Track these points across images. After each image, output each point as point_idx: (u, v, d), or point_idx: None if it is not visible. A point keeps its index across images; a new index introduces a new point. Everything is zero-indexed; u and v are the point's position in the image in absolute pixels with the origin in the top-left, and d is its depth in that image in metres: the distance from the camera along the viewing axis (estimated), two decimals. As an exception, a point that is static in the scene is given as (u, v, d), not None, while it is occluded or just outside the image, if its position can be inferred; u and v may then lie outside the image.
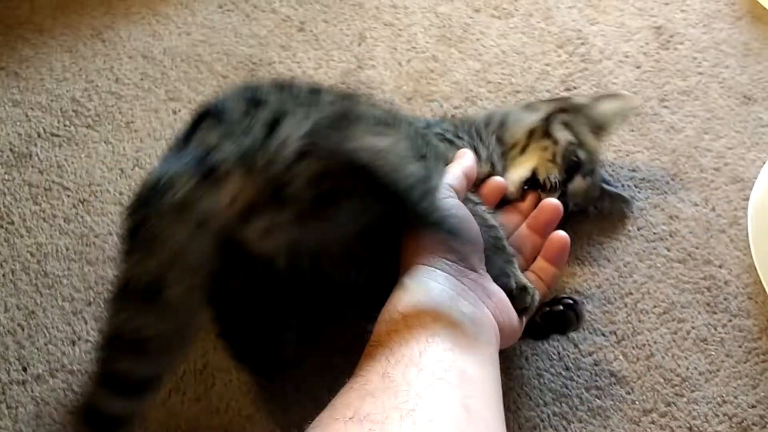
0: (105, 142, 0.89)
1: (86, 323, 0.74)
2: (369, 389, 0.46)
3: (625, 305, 0.75)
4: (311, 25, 1.05)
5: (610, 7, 1.06)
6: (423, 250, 0.58)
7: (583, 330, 0.73)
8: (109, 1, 1.07)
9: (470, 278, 0.57)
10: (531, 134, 0.76)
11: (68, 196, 0.84)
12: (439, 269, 0.57)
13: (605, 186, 0.81)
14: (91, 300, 0.76)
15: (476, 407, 0.47)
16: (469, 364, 0.49)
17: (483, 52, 1.01)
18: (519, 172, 0.73)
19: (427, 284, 0.55)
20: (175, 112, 0.93)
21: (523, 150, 0.75)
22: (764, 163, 0.86)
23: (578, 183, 0.75)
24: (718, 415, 0.67)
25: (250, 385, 0.69)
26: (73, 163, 0.87)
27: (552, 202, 0.68)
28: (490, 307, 0.57)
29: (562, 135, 0.76)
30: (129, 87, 0.96)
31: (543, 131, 0.76)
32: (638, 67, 0.98)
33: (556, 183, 0.72)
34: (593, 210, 0.81)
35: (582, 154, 0.76)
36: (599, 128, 0.79)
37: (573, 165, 0.75)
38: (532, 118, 0.78)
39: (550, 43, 1.01)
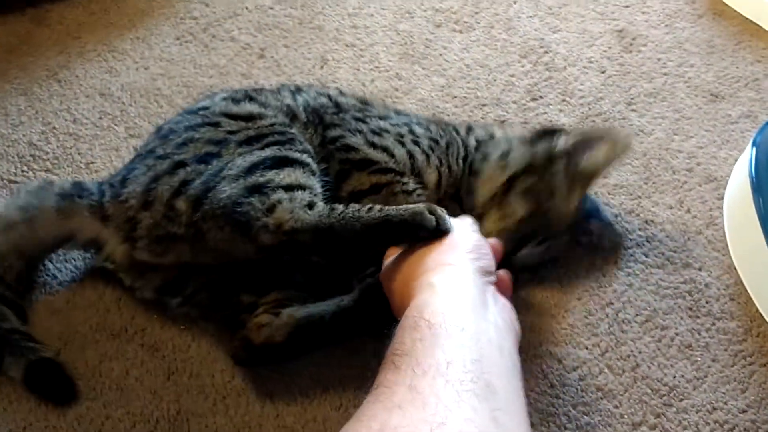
0: (65, 186, 0.87)
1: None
2: (396, 401, 0.45)
3: (607, 316, 0.73)
4: (272, 51, 1.03)
5: (570, 14, 1.06)
6: (450, 249, 0.58)
7: (566, 345, 0.71)
8: (63, 41, 1.05)
9: (487, 278, 0.57)
10: (493, 197, 0.73)
11: (29, 244, 0.81)
12: (467, 270, 0.56)
13: (595, 222, 0.77)
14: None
15: (503, 420, 0.46)
16: (494, 376, 0.48)
17: (447, 67, 1.00)
18: None
19: (458, 289, 0.54)
20: (136, 149, 0.90)
21: (483, 211, 0.73)
22: (736, 160, 0.85)
23: (527, 253, 0.73)
24: (709, 423, 0.66)
25: (227, 428, 0.67)
26: (32, 209, 0.84)
27: (499, 273, 0.62)
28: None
29: (519, 207, 0.72)
30: (87, 127, 0.93)
31: (502, 197, 0.73)
32: (603, 72, 0.97)
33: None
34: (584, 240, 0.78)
35: (541, 222, 0.72)
36: (586, 178, 0.72)
37: (523, 238, 0.72)
38: (500, 179, 0.74)
39: (514, 53, 1.00)
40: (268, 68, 1.01)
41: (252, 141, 0.69)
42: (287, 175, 0.65)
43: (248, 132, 0.71)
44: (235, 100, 0.77)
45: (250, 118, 0.73)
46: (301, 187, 0.64)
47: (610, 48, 1.00)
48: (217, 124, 0.72)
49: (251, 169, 0.65)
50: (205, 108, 0.76)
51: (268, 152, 0.67)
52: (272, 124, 0.72)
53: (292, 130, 0.72)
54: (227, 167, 0.66)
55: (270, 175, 0.65)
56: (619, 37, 1.02)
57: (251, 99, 0.77)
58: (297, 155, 0.68)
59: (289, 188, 0.64)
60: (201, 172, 0.66)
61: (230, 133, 0.71)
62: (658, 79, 0.96)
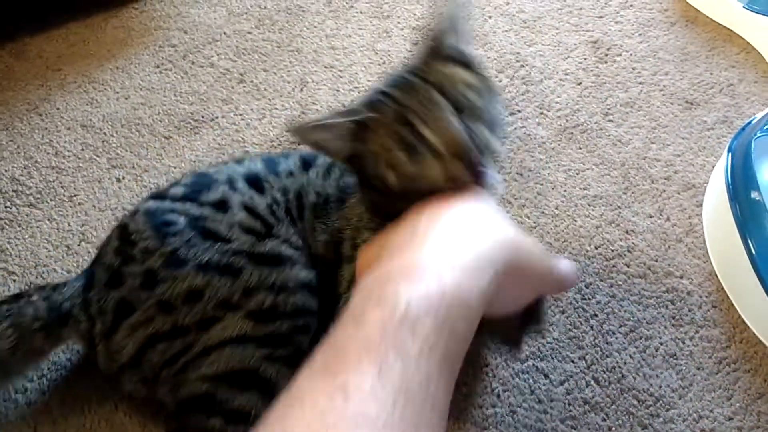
0: (49, 220, 0.87)
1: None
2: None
3: (591, 328, 0.74)
4: (251, 75, 1.04)
5: (545, 26, 1.07)
6: None
7: (552, 359, 0.71)
8: (43, 74, 1.05)
9: None
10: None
11: (14, 280, 0.81)
12: None
13: None
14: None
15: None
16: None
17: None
18: None
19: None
20: (119, 180, 0.91)
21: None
22: (713, 167, 0.86)
23: None
24: None
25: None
26: (17, 245, 0.85)
27: None
28: None
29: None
30: (70, 159, 0.93)
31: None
32: (579, 84, 0.98)
33: None
34: None
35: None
36: None
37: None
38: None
39: (491, 68, 1.01)
40: (248, 93, 1.01)
41: (260, 318, 0.61)
42: (247, 401, 0.60)
43: (264, 299, 0.61)
44: (260, 236, 0.64)
45: (276, 261, 0.63)
46: (246, 418, 0.59)
47: (585, 59, 1.01)
48: (239, 272, 0.61)
49: (224, 378, 0.60)
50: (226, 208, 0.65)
51: (257, 357, 0.60)
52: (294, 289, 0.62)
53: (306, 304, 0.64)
54: (213, 354, 0.60)
55: (233, 395, 0.60)
56: (594, 48, 1.03)
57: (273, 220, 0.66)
58: (282, 372, 0.61)
59: (237, 417, 0.59)
60: (192, 344, 0.61)
61: (246, 292, 0.61)
62: (633, 88, 0.97)
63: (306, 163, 0.72)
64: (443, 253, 0.45)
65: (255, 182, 0.69)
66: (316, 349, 0.41)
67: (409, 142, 0.55)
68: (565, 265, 0.55)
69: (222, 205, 0.65)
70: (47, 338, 0.64)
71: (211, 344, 0.60)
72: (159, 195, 0.69)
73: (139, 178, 0.91)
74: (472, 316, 0.43)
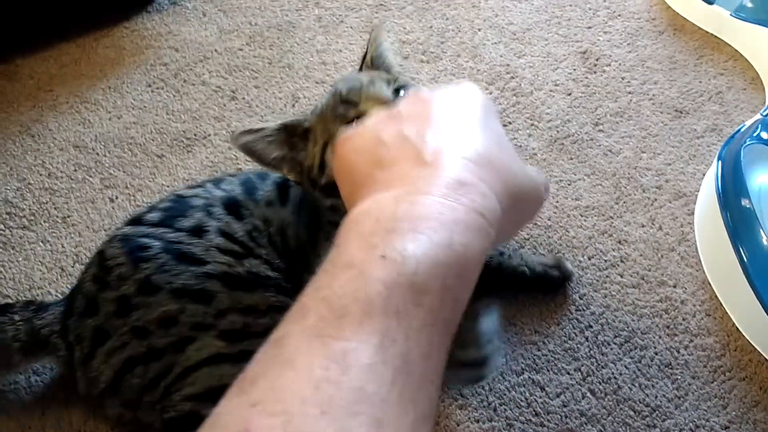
0: (42, 242, 0.87)
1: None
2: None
3: (586, 339, 0.74)
4: (243, 92, 1.04)
5: (534, 38, 1.07)
6: None
7: (548, 371, 0.72)
8: (35, 95, 1.05)
9: None
10: None
11: (8, 303, 0.81)
12: None
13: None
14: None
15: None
16: None
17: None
18: None
19: None
20: (112, 200, 0.91)
21: None
22: (704, 175, 0.87)
23: None
24: (692, 441, 0.67)
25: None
26: (10, 268, 0.84)
27: None
28: None
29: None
30: (62, 180, 0.94)
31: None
32: (569, 94, 0.99)
33: None
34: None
35: None
36: None
37: None
38: None
39: (481, 81, 1.02)
40: (240, 109, 1.02)
41: (233, 337, 0.61)
42: None
43: (235, 320, 0.61)
44: (238, 256, 0.65)
45: (251, 284, 0.64)
46: None
47: (574, 70, 1.02)
48: (211, 297, 0.62)
49: (206, 395, 0.60)
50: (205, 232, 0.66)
51: (235, 372, 0.60)
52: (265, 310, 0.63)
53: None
54: (192, 375, 0.61)
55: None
56: (582, 59, 1.03)
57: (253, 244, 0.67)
58: None
59: None
60: (170, 367, 0.61)
61: (219, 314, 0.61)
62: (623, 98, 0.98)
63: (283, 194, 0.71)
64: (454, 199, 0.39)
65: (233, 208, 0.69)
66: (307, 290, 0.37)
67: (350, 118, 0.58)
68: (535, 171, 0.47)
69: (198, 231, 0.66)
70: (25, 356, 0.65)
71: (189, 365, 0.60)
72: (135, 220, 0.69)
73: (132, 197, 0.91)
74: (473, 280, 0.39)
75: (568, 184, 0.88)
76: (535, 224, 0.84)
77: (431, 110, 0.45)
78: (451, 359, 0.38)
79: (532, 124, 0.95)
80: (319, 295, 0.36)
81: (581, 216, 0.84)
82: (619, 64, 1.03)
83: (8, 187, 0.93)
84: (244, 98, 1.03)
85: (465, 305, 0.39)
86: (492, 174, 0.41)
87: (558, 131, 0.94)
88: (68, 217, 0.89)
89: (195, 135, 0.98)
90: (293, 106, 1.02)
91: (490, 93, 1.00)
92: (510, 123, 0.96)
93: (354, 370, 0.33)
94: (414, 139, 0.43)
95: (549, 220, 0.84)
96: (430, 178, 0.40)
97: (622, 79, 1.00)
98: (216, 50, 1.11)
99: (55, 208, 0.90)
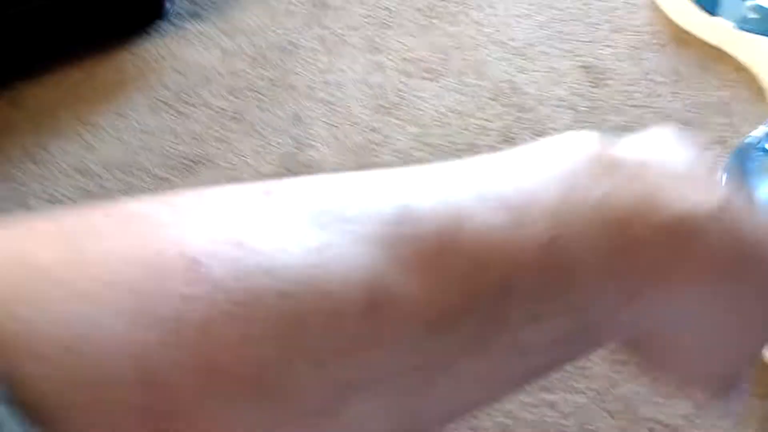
0: (47, 268, 0.86)
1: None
2: None
3: (600, 357, 0.73)
4: (246, 113, 1.04)
5: (537, 53, 1.07)
6: None
7: (560, 391, 0.71)
8: (37, 120, 1.06)
9: None
10: None
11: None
12: None
13: None
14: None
15: None
16: None
17: (420, 115, 1.01)
18: None
19: None
20: (117, 225, 0.90)
21: None
22: (712, 187, 0.86)
23: None
24: (710, 460, 0.65)
25: None
26: (15, 295, 0.84)
27: None
28: None
29: None
30: (67, 206, 0.93)
31: None
32: (573, 109, 0.98)
33: None
34: None
35: None
36: None
37: None
38: None
39: (485, 97, 1.01)
40: (243, 131, 1.01)
41: None
42: None
43: None
44: None
45: None
46: None
47: (578, 84, 1.02)
48: None
49: None
50: None
51: None
52: None
53: None
54: None
55: None
56: (586, 73, 1.03)
57: None
58: None
59: None
60: None
61: None
62: (628, 111, 0.98)
63: None
64: None
65: None
66: None
67: None
68: None
69: None
70: None
71: None
72: None
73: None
74: None
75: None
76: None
77: None
78: None
79: (537, 140, 0.95)
80: None
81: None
82: (623, 77, 1.02)
83: (12, 215, 0.93)
84: (247, 119, 1.03)
85: None
86: None
87: (563, 146, 0.94)
88: (73, 242, 0.89)
89: (198, 157, 0.98)
90: (296, 126, 1.02)
91: (494, 109, 1.00)
92: (513, 139, 0.95)
93: None
94: None
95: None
96: None
97: (626, 92, 1.00)
98: (219, 72, 1.11)
99: (59, 234, 0.90)
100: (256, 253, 0.23)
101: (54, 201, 0.94)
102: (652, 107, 0.98)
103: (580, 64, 1.05)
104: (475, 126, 0.98)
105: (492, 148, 0.95)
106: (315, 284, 0.22)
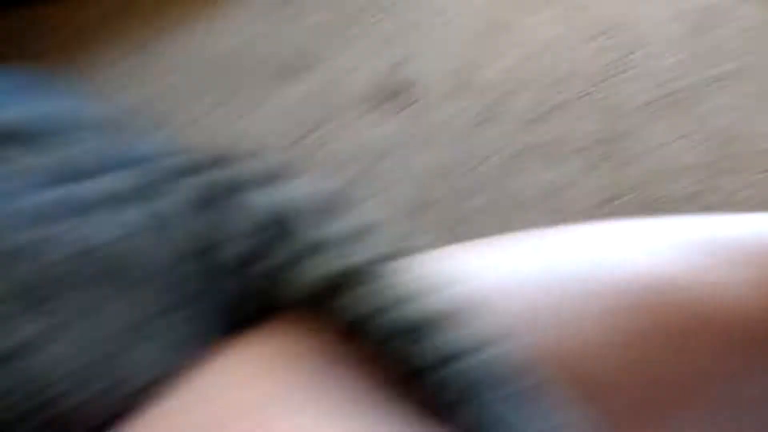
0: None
1: None
2: None
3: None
4: (348, 28, 1.06)
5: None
6: None
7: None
8: (156, 12, 1.11)
9: None
10: None
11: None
12: None
13: None
14: None
15: None
16: None
17: (524, 42, 1.00)
18: None
19: None
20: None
21: None
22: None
23: None
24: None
25: None
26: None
27: None
28: None
29: None
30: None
31: None
32: (684, 50, 0.95)
33: None
34: None
35: None
36: None
37: None
38: None
39: (587, 32, 0.99)
40: (356, 37, 1.04)
41: None
42: None
43: None
44: None
45: None
46: None
47: (692, 26, 0.97)
48: None
49: None
50: None
51: None
52: None
53: None
54: None
55: None
56: (703, 15, 0.98)
57: None
58: None
59: None
60: None
61: None
62: (744, 57, 0.93)
63: None
64: None
65: None
66: None
67: None
68: None
69: None
70: None
71: None
72: None
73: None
74: None
75: (672, 142, 0.85)
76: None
77: None
78: None
79: (641, 78, 0.92)
80: None
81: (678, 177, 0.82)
82: (741, 22, 0.97)
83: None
84: (352, 31, 1.05)
85: None
86: None
87: (667, 87, 0.91)
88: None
89: (302, 64, 1.01)
90: (398, 40, 1.03)
91: (598, 44, 0.97)
92: (614, 76, 0.93)
93: None
94: None
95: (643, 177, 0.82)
96: None
97: (743, 37, 0.95)
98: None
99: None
100: None
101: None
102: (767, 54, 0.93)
103: (698, 4, 1.00)
104: (580, 57, 0.96)
105: (591, 83, 0.94)
106: None
